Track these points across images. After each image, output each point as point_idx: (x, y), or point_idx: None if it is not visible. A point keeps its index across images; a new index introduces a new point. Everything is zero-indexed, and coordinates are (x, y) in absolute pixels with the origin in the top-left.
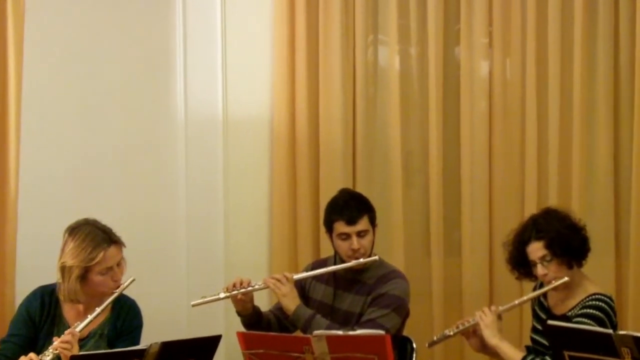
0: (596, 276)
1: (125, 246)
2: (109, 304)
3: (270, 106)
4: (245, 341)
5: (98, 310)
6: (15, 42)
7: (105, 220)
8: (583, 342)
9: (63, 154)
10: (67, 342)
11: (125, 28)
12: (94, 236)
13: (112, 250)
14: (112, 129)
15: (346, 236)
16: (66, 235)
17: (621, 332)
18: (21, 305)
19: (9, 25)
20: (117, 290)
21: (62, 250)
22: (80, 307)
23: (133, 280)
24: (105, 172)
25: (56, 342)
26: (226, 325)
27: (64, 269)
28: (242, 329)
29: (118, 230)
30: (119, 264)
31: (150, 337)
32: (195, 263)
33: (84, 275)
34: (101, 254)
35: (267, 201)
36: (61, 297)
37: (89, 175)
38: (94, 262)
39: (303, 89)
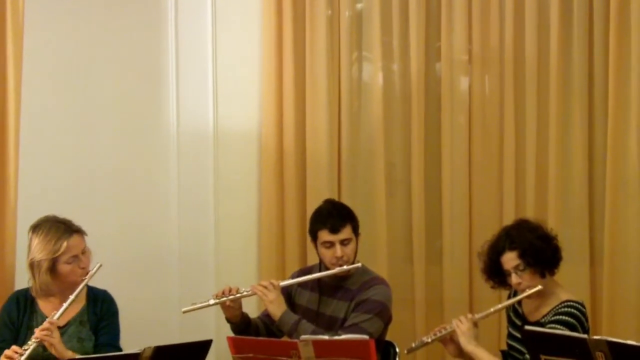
0: (572, 283)
1: (86, 234)
2: (81, 290)
3: (259, 120)
4: (235, 346)
5: (72, 297)
6: (14, 61)
7: (101, 230)
8: (559, 346)
9: (59, 167)
10: (47, 329)
11: (118, 45)
12: (56, 229)
13: (75, 238)
14: (107, 142)
15: (330, 244)
16: (30, 233)
17: (595, 337)
18: (0, 311)
19: (8, 47)
20: (86, 277)
21: (29, 248)
22: (55, 299)
23: (100, 265)
24: (100, 184)
25: (37, 331)
26: (217, 330)
27: (32, 265)
28: (232, 334)
29: (112, 239)
30: (84, 252)
31: (144, 341)
32: (187, 271)
33: (53, 268)
34: (65, 244)
35: (255, 211)
36: (34, 294)
37: (84, 186)
38: (59, 253)
39: (290, 103)
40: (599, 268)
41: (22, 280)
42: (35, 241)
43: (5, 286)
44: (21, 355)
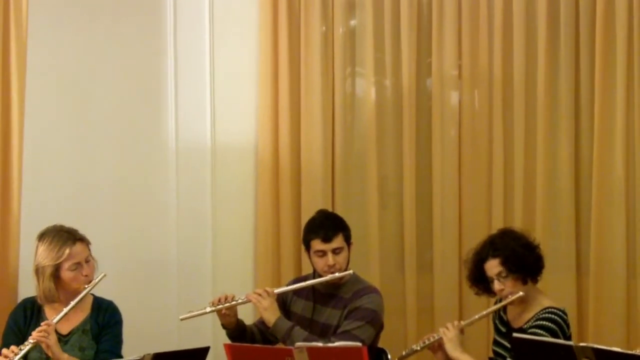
0: (558, 291)
1: (90, 243)
2: (83, 297)
3: (255, 134)
4: (232, 352)
5: (73, 303)
6: (17, 77)
7: (102, 240)
8: (546, 353)
9: (62, 179)
10: (43, 330)
11: (119, 63)
12: (60, 236)
13: (78, 246)
14: (109, 156)
15: (322, 253)
16: (37, 241)
17: (582, 344)
18: (8, 318)
19: (12, 62)
20: (89, 285)
21: (35, 255)
22: (61, 307)
23: (104, 275)
24: (101, 195)
25: (34, 332)
26: (214, 337)
27: (37, 271)
28: (229, 341)
29: (113, 249)
30: (87, 261)
31: (144, 349)
32: (185, 280)
33: (56, 274)
34: (67, 251)
35: (252, 222)
36: (39, 300)
37: (86, 197)
38: (62, 259)
39: (286, 118)
40: (585, 277)
41: (26, 287)
42: (41, 248)
43: (8, 293)
44: (16, 354)
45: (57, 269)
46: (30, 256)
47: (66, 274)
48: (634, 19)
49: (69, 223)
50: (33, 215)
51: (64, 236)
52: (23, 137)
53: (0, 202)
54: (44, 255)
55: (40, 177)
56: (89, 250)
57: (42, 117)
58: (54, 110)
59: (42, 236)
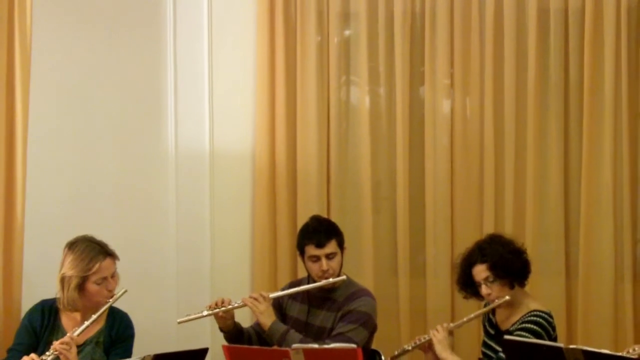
0: (548, 294)
1: (119, 259)
2: (104, 311)
3: (252, 141)
4: (230, 354)
5: (94, 317)
6: (21, 87)
7: None
8: (536, 355)
9: (64, 186)
10: (66, 343)
11: (120, 73)
12: (91, 249)
13: (108, 261)
14: (110, 163)
15: (316, 258)
16: (66, 249)
17: (571, 346)
18: (24, 317)
19: (16, 74)
20: (111, 300)
21: (62, 263)
22: (78, 316)
23: (125, 291)
24: (103, 201)
25: (56, 343)
26: (212, 339)
27: (63, 280)
28: (227, 343)
29: None
30: (113, 275)
31: (144, 350)
32: (185, 283)
33: (82, 285)
34: (97, 265)
35: (249, 227)
36: (60, 307)
37: (88, 203)
38: (91, 272)
39: (282, 125)
40: (574, 280)
41: (28, 289)
42: (70, 257)
43: (13, 295)
44: None
45: (83, 280)
46: (32, 259)
47: (92, 287)
48: (621, 26)
49: (70, 227)
50: (35, 220)
51: (95, 249)
52: (27, 144)
53: (5, 207)
54: (73, 265)
55: (43, 183)
56: (116, 265)
57: (45, 125)
58: (57, 118)
59: (72, 245)
